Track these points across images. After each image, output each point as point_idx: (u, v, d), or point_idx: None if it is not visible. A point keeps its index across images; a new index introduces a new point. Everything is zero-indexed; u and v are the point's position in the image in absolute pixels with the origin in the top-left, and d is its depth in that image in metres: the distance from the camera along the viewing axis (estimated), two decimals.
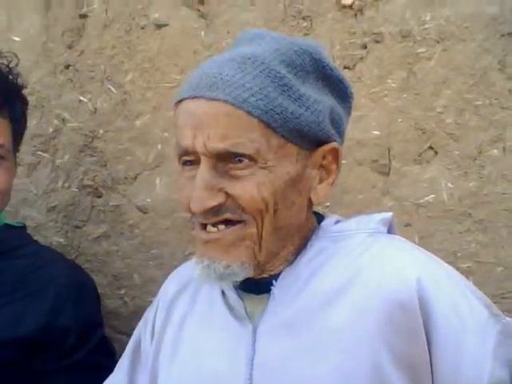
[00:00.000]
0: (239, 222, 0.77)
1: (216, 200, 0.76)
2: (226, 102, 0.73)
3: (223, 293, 0.87)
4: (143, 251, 1.43)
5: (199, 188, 0.75)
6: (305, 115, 0.76)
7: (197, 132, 0.75)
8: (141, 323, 1.03)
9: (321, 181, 0.81)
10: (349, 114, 0.87)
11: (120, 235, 1.45)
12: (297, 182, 0.78)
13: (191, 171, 0.79)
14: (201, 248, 0.80)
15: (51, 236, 1.51)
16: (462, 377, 0.75)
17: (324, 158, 0.81)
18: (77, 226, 1.49)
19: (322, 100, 0.79)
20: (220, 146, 0.74)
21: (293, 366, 0.77)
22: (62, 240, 1.51)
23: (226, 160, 0.76)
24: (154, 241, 1.42)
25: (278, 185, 0.76)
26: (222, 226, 0.78)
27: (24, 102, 1.23)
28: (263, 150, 0.74)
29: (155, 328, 0.96)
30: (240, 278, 0.79)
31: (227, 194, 0.76)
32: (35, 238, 1.39)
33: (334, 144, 0.80)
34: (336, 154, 0.81)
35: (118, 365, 1.03)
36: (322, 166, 0.81)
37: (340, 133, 0.84)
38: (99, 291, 1.36)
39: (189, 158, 0.79)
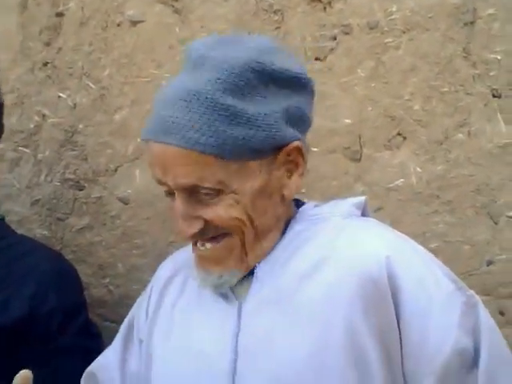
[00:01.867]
0: (225, 235, 0.78)
1: (196, 227, 0.76)
2: (178, 146, 0.72)
3: None
4: (126, 241, 1.34)
5: (179, 219, 0.76)
6: (257, 134, 0.73)
7: (164, 171, 0.75)
8: (134, 307, 1.00)
9: (290, 175, 0.79)
10: (312, 97, 0.82)
11: (103, 226, 1.36)
12: (264, 190, 0.77)
13: (172, 202, 0.78)
14: (196, 261, 0.82)
15: (35, 229, 1.41)
16: (428, 344, 0.72)
17: (289, 155, 0.78)
18: (60, 219, 1.40)
19: (274, 108, 0.75)
20: (187, 182, 0.74)
21: (275, 339, 0.76)
22: (46, 232, 1.41)
23: (196, 192, 0.75)
24: (136, 230, 1.33)
25: (245, 202, 0.76)
26: (209, 245, 0.79)
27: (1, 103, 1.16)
28: (224, 179, 0.74)
29: (148, 311, 0.93)
30: (233, 283, 0.80)
31: (205, 220, 0.76)
32: (20, 231, 1.30)
33: (294, 144, 0.77)
34: (299, 150, 0.78)
35: (110, 347, 1.00)
36: (289, 162, 0.78)
37: (304, 125, 0.81)
38: (84, 281, 1.28)
39: (166, 189, 0.78)
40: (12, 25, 1.36)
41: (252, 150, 0.74)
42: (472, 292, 0.77)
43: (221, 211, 0.75)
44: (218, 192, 0.74)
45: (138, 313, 0.96)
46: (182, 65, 0.80)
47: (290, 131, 0.77)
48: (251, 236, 0.77)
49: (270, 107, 0.75)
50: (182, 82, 0.76)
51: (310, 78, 0.81)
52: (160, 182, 0.77)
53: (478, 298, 0.77)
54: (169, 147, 0.72)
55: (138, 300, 1.00)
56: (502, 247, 1.05)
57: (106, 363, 0.97)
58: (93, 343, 1.13)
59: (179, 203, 0.75)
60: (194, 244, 0.80)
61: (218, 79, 0.72)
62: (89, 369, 0.98)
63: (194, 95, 0.72)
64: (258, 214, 0.77)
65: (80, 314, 1.15)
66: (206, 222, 0.76)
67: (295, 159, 0.78)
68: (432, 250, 1.06)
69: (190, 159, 0.72)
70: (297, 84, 0.78)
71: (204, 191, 0.74)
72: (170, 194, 0.78)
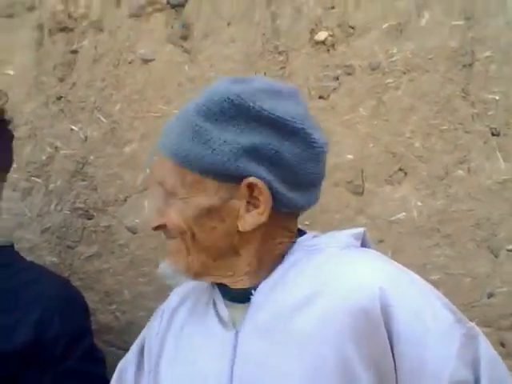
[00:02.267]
0: (176, 237, 0.83)
1: (155, 222, 0.84)
2: (161, 153, 0.82)
3: (214, 303, 0.87)
4: (133, 269, 1.34)
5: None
6: (209, 156, 0.78)
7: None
8: (145, 329, 1.00)
9: (248, 210, 0.79)
10: (306, 145, 0.79)
11: (111, 254, 1.36)
12: (214, 211, 0.80)
13: None
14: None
15: (45, 256, 1.41)
16: (425, 375, 0.70)
17: (252, 190, 0.78)
18: (69, 247, 1.40)
19: (237, 140, 0.77)
20: (156, 179, 0.83)
21: (268, 367, 0.76)
22: (55, 259, 1.41)
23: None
24: (143, 259, 1.33)
25: (189, 214, 0.80)
26: (168, 241, 0.85)
27: (11, 135, 1.20)
28: (178, 185, 0.80)
29: (159, 334, 0.93)
30: (183, 280, 0.85)
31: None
32: (30, 258, 1.30)
33: (250, 179, 0.77)
34: (260, 187, 0.77)
35: (127, 356, 1.01)
36: (252, 197, 0.79)
37: (278, 165, 0.78)
38: (91, 307, 1.27)
39: None
40: (28, 61, 1.39)
41: (202, 168, 0.78)
42: (472, 324, 0.75)
43: (170, 213, 0.81)
44: (172, 195, 0.81)
45: (148, 335, 0.97)
46: None
47: (251, 167, 0.77)
48: (193, 247, 0.81)
49: (236, 138, 0.77)
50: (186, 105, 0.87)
51: (302, 126, 0.79)
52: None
53: (478, 329, 0.75)
54: (158, 154, 0.84)
55: (149, 323, 0.99)
56: (502, 280, 1.04)
57: (125, 372, 0.98)
58: (96, 368, 1.12)
59: (153, 196, 0.87)
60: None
61: (198, 103, 0.81)
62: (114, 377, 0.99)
63: (183, 112, 0.82)
64: (199, 229, 0.80)
65: (84, 339, 1.14)
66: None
67: (258, 196, 0.78)
68: (433, 282, 1.05)
69: (160, 161, 0.82)
70: (281, 127, 0.78)
71: (166, 192, 0.82)
72: None
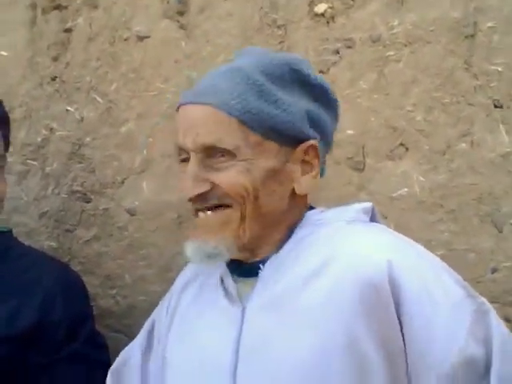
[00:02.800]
0: (226, 206, 0.79)
1: (202, 188, 0.78)
2: (210, 104, 0.76)
3: (222, 280, 0.86)
4: (133, 252, 1.32)
5: (188, 179, 0.78)
6: (280, 116, 0.77)
7: (187, 132, 0.78)
8: (157, 308, 1.00)
9: (304, 173, 0.81)
10: (336, 118, 0.87)
11: (110, 237, 1.34)
12: (276, 174, 0.79)
13: (185, 167, 0.80)
14: (192, 231, 0.82)
15: (43, 240, 1.39)
16: (434, 351, 0.70)
17: (306, 154, 0.80)
18: (68, 230, 1.37)
19: (299, 104, 0.80)
20: (207, 140, 0.77)
21: (274, 342, 0.75)
22: (53, 244, 1.39)
23: (211, 156, 0.78)
24: (143, 242, 1.31)
25: (255, 174, 0.77)
26: (209, 212, 0.79)
27: (8, 118, 1.17)
28: (242, 146, 0.76)
29: (169, 311, 0.94)
30: (226, 258, 0.80)
31: (213, 184, 0.78)
32: (28, 242, 1.29)
33: (311, 141, 0.80)
34: (316, 151, 0.81)
35: (134, 342, 1.00)
36: (304, 161, 0.81)
37: (323, 133, 0.83)
38: (92, 292, 1.27)
39: (183, 156, 0.81)
40: (21, 41, 1.36)
41: (273, 129, 0.77)
42: (483, 299, 0.75)
43: (231, 175, 0.76)
44: (232, 157, 0.76)
45: (159, 314, 0.97)
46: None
47: (309, 130, 0.80)
48: (252, 212, 0.77)
49: (297, 102, 0.80)
50: (230, 64, 0.83)
51: (338, 100, 0.85)
52: (180, 148, 0.80)
53: (489, 305, 0.74)
54: (198, 106, 0.77)
55: (161, 302, 0.99)
56: (506, 255, 1.02)
57: (129, 359, 0.97)
58: (98, 353, 1.12)
59: (192, 164, 0.78)
60: (195, 214, 0.81)
61: (259, 62, 0.79)
62: (113, 366, 0.98)
63: (236, 69, 0.79)
64: (264, 191, 0.77)
65: (86, 324, 1.13)
66: (213, 187, 0.77)
67: (311, 160, 0.80)
68: None
69: (215, 118, 0.76)
70: (324, 98, 0.83)
71: (219, 154, 0.77)
72: (185, 160, 0.80)
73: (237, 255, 0.81)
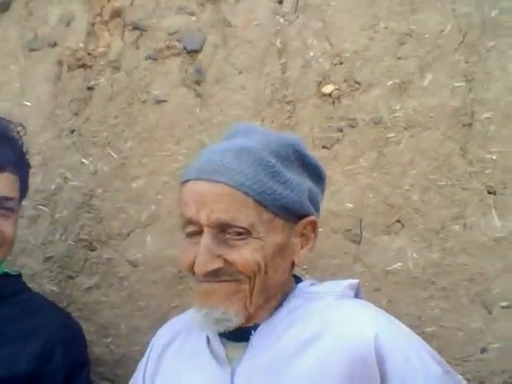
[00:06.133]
0: (234, 281, 0.79)
1: (216, 264, 0.77)
2: (227, 184, 0.77)
3: (208, 341, 0.86)
4: (131, 302, 1.32)
5: (202, 254, 0.77)
6: (290, 195, 0.80)
7: (200, 206, 0.78)
8: (135, 374, 0.99)
9: (302, 246, 0.84)
10: (323, 192, 0.90)
11: (110, 287, 1.34)
12: (282, 249, 0.81)
13: (194, 239, 0.80)
14: (200, 298, 0.81)
15: (45, 284, 1.39)
16: None
17: (305, 228, 0.83)
18: (70, 277, 1.38)
19: (303, 183, 0.83)
20: (222, 217, 0.77)
21: None
22: (55, 288, 1.39)
23: (224, 231, 0.78)
24: (142, 293, 1.31)
25: (267, 251, 0.78)
26: (217, 284, 0.79)
27: (28, 165, 1.20)
28: (256, 223, 0.77)
29: (146, 376, 0.93)
30: (233, 325, 0.79)
31: (225, 260, 0.78)
32: (31, 285, 1.29)
33: (312, 217, 0.83)
34: (314, 225, 0.84)
35: None
36: (302, 235, 0.83)
37: (317, 208, 0.87)
38: (87, 338, 1.26)
39: (192, 229, 0.81)
40: (45, 94, 1.40)
41: (283, 208, 0.79)
42: (460, 377, 0.78)
43: (246, 253, 0.77)
44: (246, 234, 0.77)
45: (136, 378, 0.96)
46: (223, 137, 0.88)
47: (310, 207, 0.84)
48: (260, 285, 0.78)
49: (300, 181, 0.83)
50: (231, 141, 0.83)
51: (325, 174, 0.89)
52: (189, 221, 0.79)
53: (465, 382, 0.78)
54: (215, 184, 0.77)
55: (138, 365, 0.98)
56: (495, 336, 1.03)
57: None
58: None
59: (206, 238, 0.77)
60: (200, 282, 0.80)
61: (267, 143, 0.81)
62: None
63: (245, 148, 0.79)
64: (272, 267, 0.79)
65: (83, 372, 1.13)
66: (226, 264, 0.77)
67: (308, 234, 0.83)
68: (428, 334, 1.06)
69: (231, 197, 0.77)
70: (318, 175, 0.87)
71: (233, 231, 0.77)
72: (194, 234, 0.80)
73: (243, 322, 0.81)
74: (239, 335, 0.81)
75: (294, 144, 0.83)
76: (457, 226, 1.07)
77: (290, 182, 0.80)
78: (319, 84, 1.17)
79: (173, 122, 1.29)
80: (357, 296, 0.87)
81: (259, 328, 0.81)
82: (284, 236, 0.80)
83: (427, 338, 1.03)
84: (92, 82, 1.36)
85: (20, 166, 1.13)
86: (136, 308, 1.31)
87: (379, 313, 0.83)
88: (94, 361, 1.29)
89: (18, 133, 1.17)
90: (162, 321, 1.26)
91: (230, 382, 0.79)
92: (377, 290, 1.11)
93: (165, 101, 1.30)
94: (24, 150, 1.17)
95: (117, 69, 1.35)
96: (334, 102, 1.16)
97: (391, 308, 1.07)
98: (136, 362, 1.17)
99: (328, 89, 1.16)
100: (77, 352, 1.13)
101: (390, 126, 1.12)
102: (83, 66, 1.39)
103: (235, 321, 0.79)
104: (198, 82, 1.27)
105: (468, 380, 0.86)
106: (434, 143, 1.09)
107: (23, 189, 1.16)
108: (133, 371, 1.03)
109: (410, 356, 0.75)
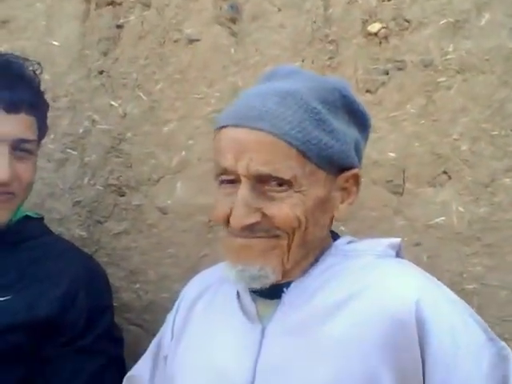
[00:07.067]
0: (272, 237, 0.75)
1: (253, 218, 0.73)
2: (269, 132, 0.72)
3: (238, 296, 0.83)
4: (160, 249, 1.30)
5: (239, 206, 0.73)
6: (336, 146, 0.75)
7: (239, 156, 0.73)
8: (164, 325, 0.98)
9: (342, 201, 0.80)
10: (367, 139, 0.85)
11: (139, 233, 1.32)
12: (323, 203, 0.77)
13: (229, 189, 0.76)
14: (234, 254, 0.77)
15: (74, 229, 1.38)
16: None
17: (347, 181, 0.79)
18: (99, 222, 1.36)
19: (349, 132, 0.78)
20: (263, 169, 0.72)
21: (293, 366, 0.74)
22: (83, 233, 1.37)
23: (263, 182, 0.74)
24: (171, 241, 1.29)
25: (308, 205, 0.74)
26: (253, 240, 0.75)
27: (47, 105, 1.14)
28: (299, 176, 0.73)
29: (174, 328, 0.91)
30: (270, 282, 0.76)
31: (263, 214, 0.74)
32: (59, 229, 1.29)
33: (356, 170, 0.79)
34: (357, 179, 0.80)
35: (141, 360, 0.99)
36: (344, 188, 0.80)
37: (360, 158, 0.83)
38: (115, 284, 1.27)
39: (228, 178, 0.76)
40: (73, 33, 1.34)
41: (327, 159, 0.74)
42: (504, 344, 0.73)
43: (286, 208, 0.73)
44: (287, 187, 0.73)
45: (165, 330, 0.95)
46: (261, 79, 0.82)
47: (355, 158, 0.79)
48: (299, 241, 0.75)
49: (346, 130, 0.78)
50: (272, 84, 0.77)
51: (371, 121, 0.84)
52: (226, 171, 0.74)
53: (510, 350, 0.73)
54: (256, 132, 0.72)
55: (167, 317, 0.97)
56: None
57: (138, 377, 0.95)
58: (115, 348, 1.10)
59: (244, 190, 0.72)
60: (233, 236, 0.76)
61: (313, 87, 0.75)
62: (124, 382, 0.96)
63: (289, 93, 0.73)
64: (312, 221, 0.75)
65: (106, 316, 1.12)
66: (263, 218, 0.73)
67: (350, 187, 0.79)
68: (468, 292, 1.01)
69: (273, 146, 0.71)
70: (364, 124, 0.82)
71: (274, 183, 0.72)
72: (229, 183, 0.75)
73: (279, 278, 0.77)
74: (271, 292, 0.78)
75: (340, 88, 0.77)
76: (508, 180, 1.00)
77: (337, 132, 0.75)
78: (365, 22, 1.09)
79: (206, 63, 1.22)
80: (398, 256, 0.82)
81: (292, 285, 0.78)
82: (325, 190, 0.76)
83: (468, 295, 0.99)
84: (121, 20, 1.30)
85: (37, 106, 1.08)
86: (165, 255, 1.30)
87: (422, 275, 0.78)
88: (122, 306, 1.30)
89: (34, 71, 1.11)
90: (191, 270, 1.24)
91: (259, 340, 0.77)
92: (417, 244, 1.06)
93: (197, 40, 1.23)
94: (41, 89, 1.12)
95: (147, 6, 1.28)
96: (380, 42, 1.08)
97: (431, 264, 1.03)
98: (164, 308, 1.16)
99: (374, 27, 1.07)
100: (100, 296, 1.12)
101: (441, 70, 1.04)
102: (112, 3, 1.32)
103: (272, 278, 0.75)
104: (233, 20, 1.20)
105: (506, 340, 0.81)
106: (488, 89, 1.01)
107: (42, 130, 1.11)
108: (160, 317, 1.02)
109: (453, 323, 0.71)
